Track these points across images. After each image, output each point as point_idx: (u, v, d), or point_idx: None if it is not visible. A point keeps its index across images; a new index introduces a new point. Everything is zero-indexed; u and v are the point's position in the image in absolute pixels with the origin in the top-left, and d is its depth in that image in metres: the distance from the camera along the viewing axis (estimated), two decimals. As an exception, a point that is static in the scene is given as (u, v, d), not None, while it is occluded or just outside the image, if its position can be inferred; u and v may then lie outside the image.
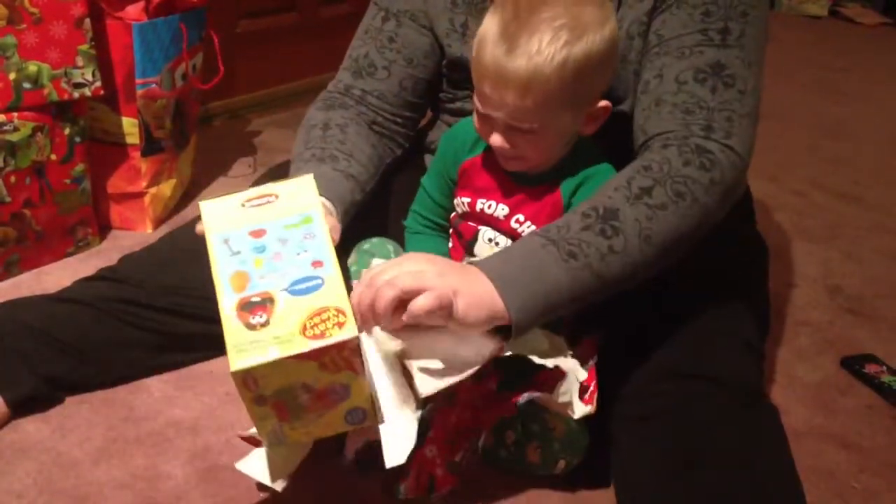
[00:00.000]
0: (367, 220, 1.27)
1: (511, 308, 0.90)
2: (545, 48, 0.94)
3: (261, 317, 0.79)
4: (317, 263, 0.82)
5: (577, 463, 1.06)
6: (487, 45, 0.97)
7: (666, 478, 0.96)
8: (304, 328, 0.78)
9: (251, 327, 0.78)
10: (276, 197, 0.88)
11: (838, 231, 1.96)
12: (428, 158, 1.34)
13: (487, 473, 1.10)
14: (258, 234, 0.85)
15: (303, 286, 0.81)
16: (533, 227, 1.08)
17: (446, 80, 1.25)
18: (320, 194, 0.93)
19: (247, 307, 0.79)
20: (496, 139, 1.03)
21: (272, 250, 0.84)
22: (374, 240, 1.17)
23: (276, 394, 0.81)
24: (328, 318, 0.78)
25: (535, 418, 1.05)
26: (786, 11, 4.24)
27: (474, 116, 1.05)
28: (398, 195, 1.26)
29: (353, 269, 1.12)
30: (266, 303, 0.80)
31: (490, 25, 0.98)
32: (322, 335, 0.77)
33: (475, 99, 1.02)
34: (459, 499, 1.05)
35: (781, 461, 0.97)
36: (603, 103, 1.02)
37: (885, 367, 1.42)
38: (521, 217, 1.09)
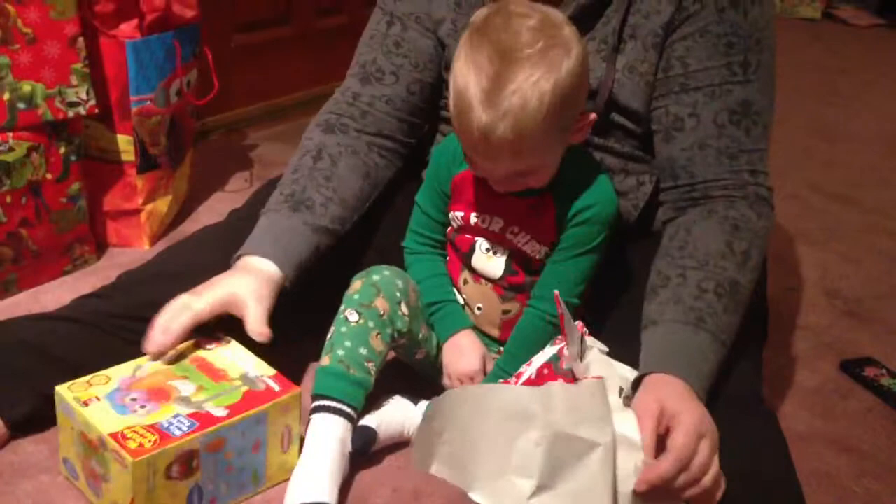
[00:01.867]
0: (365, 235, 1.27)
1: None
2: (528, 104, 0.95)
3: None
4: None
5: None
6: (472, 116, 0.97)
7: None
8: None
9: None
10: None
11: (836, 233, 1.96)
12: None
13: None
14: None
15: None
16: (528, 238, 1.09)
17: (446, 84, 1.25)
18: (278, 249, 1.11)
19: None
20: (499, 187, 1.06)
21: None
22: (386, 272, 1.13)
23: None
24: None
25: None
26: (779, 14, 4.25)
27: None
28: (398, 210, 1.26)
29: (354, 297, 1.11)
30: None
31: (468, 91, 0.97)
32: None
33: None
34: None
35: (781, 467, 0.97)
36: (586, 118, 1.05)
37: (884, 370, 1.42)
38: (515, 229, 1.10)
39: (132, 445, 0.92)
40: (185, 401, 0.99)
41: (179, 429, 0.95)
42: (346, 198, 1.19)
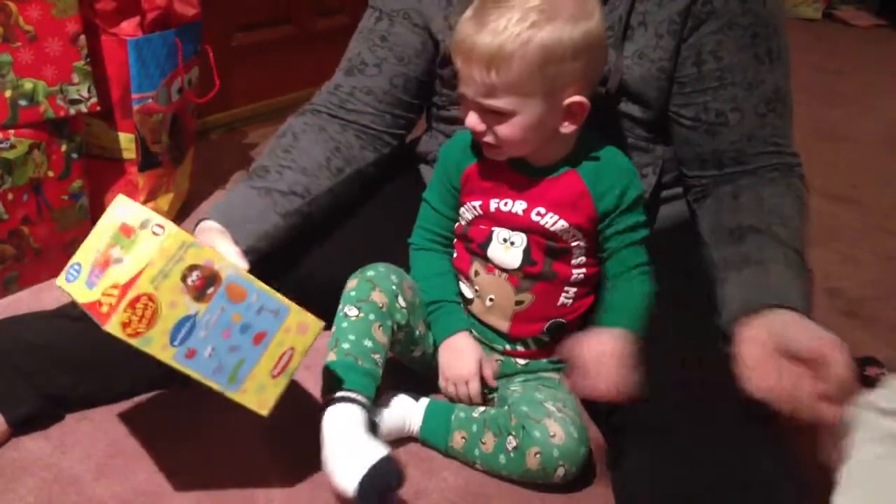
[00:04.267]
0: (361, 230, 1.27)
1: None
2: (511, 27, 0.98)
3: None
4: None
5: (576, 472, 1.06)
6: (463, 24, 1.01)
7: (665, 487, 0.96)
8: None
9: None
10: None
11: (836, 234, 1.96)
12: (424, 169, 1.35)
13: (488, 482, 1.10)
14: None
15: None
16: (556, 218, 1.09)
17: (440, 80, 1.26)
18: (219, 211, 1.13)
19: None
20: (470, 118, 1.06)
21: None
22: (381, 268, 1.15)
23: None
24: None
25: (535, 424, 1.05)
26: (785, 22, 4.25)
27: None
28: (393, 206, 1.27)
29: (352, 294, 1.12)
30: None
31: (470, 7, 1.02)
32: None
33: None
34: (461, 509, 1.06)
35: (779, 468, 0.96)
36: (578, 98, 1.03)
37: (885, 370, 1.41)
38: (541, 210, 1.10)
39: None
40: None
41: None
42: (306, 166, 1.21)
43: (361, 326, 1.09)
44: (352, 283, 1.14)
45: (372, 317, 1.10)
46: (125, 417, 1.19)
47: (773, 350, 0.91)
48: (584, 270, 1.14)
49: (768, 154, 1.15)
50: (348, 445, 1.00)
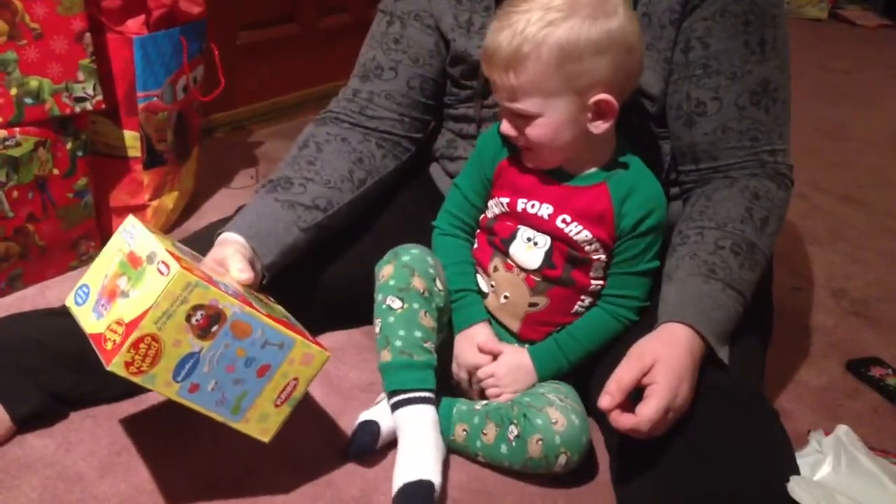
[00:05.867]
0: (370, 229, 1.28)
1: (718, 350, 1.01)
2: (529, 28, 0.98)
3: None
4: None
5: (578, 460, 1.06)
6: (489, 30, 1.03)
7: (663, 482, 0.96)
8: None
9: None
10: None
11: (841, 234, 1.96)
12: (434, 167, 1.35)
13: (490, 479, 1.10)
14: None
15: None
16: (580, 228, 1.10)
17: (450, 79, 1.26)
18: (243, 223, 1.12)
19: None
20: (503, 125, 1.07)
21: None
22: (414, 251, 1.14)
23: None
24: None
25: (538, 412, 1.05)
26: (786, 14, 4.24)
27: None
28: (402, 205, 1.27)
29: (391, 283, 1.11)
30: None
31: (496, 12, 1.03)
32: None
33: None
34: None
35: (782, 465, 0.96)
36: (603, 96, 1.02)
37: (890, 370, 1.41)
38: (567, 217, 1.10)
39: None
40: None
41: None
42: (330, 178, 1.20)
43: (408, 318, 1.09)
44: (387, 269, 1.12)
45: (416, 305, 1.10)
46: (129, 415, 1.19)
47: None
48: (601, 283, 1.14)
49: (742, 149, 1.12)
50: (413, 454, 1.05)
